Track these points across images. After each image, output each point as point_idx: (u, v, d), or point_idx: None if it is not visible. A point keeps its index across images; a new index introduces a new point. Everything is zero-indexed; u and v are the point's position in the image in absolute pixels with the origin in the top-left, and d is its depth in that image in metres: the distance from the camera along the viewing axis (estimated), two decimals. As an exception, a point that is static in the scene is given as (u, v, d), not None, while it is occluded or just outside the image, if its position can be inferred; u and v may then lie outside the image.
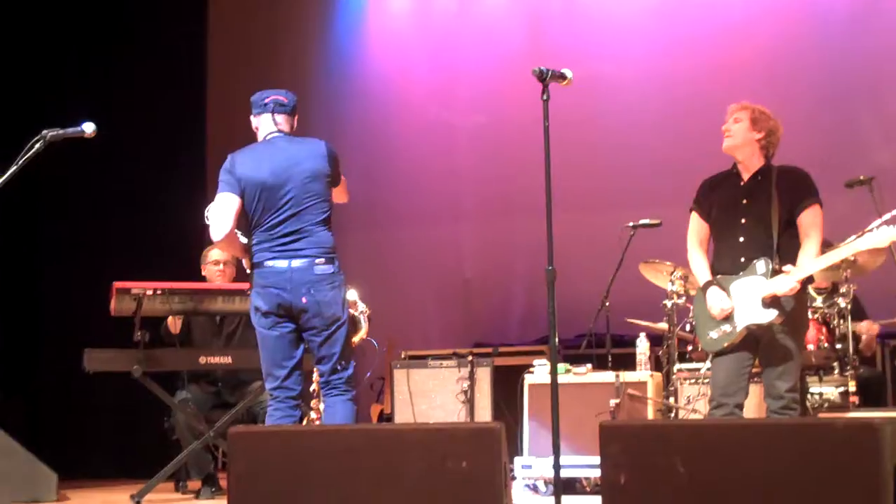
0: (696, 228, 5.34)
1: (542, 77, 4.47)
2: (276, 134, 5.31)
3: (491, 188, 9.37)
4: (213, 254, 7.18)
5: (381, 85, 9.98)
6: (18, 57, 8.96)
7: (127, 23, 9.39)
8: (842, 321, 6.50)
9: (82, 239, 9.05)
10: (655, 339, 7.18)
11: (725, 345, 5.08)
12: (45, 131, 4.56)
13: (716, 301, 5.10)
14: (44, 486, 6.74)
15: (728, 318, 5.07)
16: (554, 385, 3.91)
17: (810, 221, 5.10)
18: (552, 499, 6.26)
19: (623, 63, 9.13)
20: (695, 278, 5.41)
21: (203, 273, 7.23)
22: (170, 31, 9.37)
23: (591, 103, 8.86)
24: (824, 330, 6.56)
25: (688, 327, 6.65)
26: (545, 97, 4.45)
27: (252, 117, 5.39)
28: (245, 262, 5.32)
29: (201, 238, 7.33)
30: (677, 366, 6.67)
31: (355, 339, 5.92)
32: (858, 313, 6.89)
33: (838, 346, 6.51)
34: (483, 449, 3.21)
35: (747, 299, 5.01)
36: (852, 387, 6.41)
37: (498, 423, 3.30)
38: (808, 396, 6.52)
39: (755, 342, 5.08)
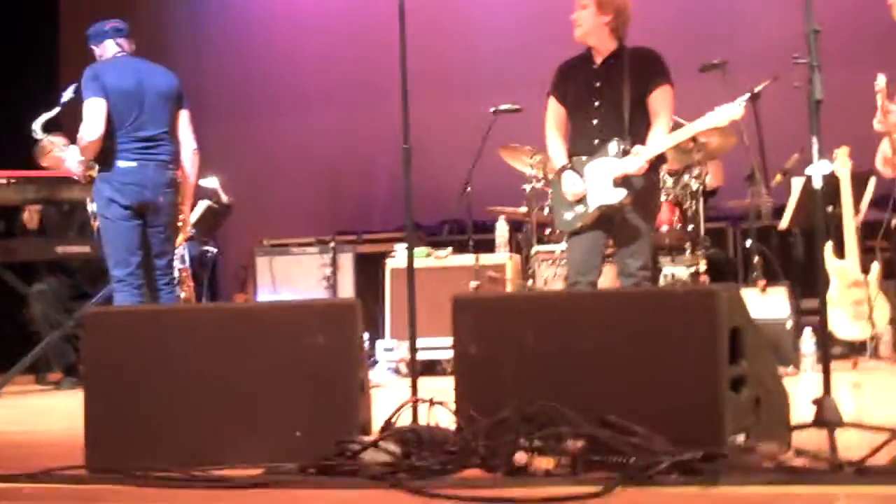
0: (554, 113, 5.40)
1: None
2: (123, 54, 5.87)
3: (354, 74, 9.30)
4: (53, 139, 7.01)
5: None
6: None
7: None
8: (693, 202, 6.69)
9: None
10: (518, 224, 7.30)
11: (579, 224, 5.18)
12: None
13: (570, 184, 5.19)
14: None
15: (582, 200, 5.16)
16: (410, 265, 3.95)
17: (660, 102, 5.18)
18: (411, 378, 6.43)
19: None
20: (552, 162, 5.50)
21: (43, 163, 7.00)
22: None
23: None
24: (677, 211, 6.75)
25: (546, 210, 6.76)
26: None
27: (94, 47, 5.91)
28: (83, 166, 5.70)
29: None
30: (535, 248, 6.80)
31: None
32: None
33: (690, 227, 6.71)
34: (339, 324, 3.24)
35: (599, 180, 5.11)
36: (703, 266, 6.62)
37: (355, 299, 3.35)
38: (661, 276, 6.72)
39: (609, 222, 5.19)
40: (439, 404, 3.23)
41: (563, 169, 5.25)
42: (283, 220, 9.13)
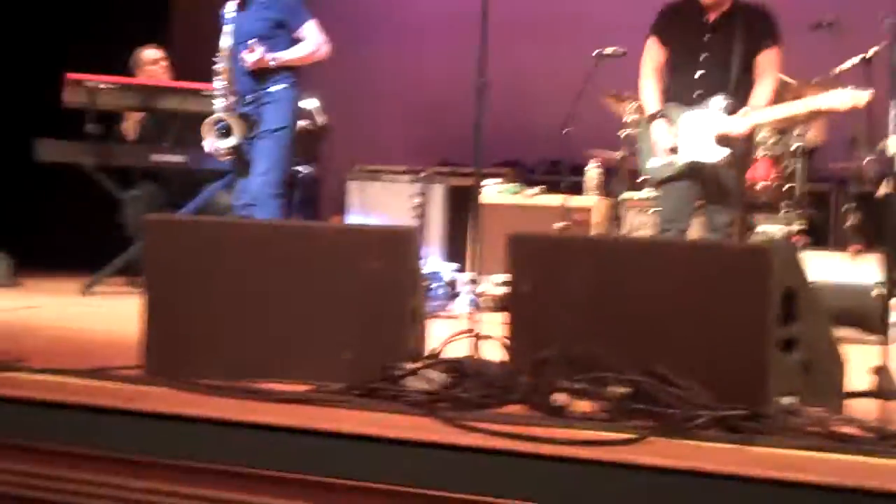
0: (653, 55, 5.29)
1: None
2: None
3: (462, 7, 9.21)
4: (149, 53, 7.11)
5: None
6: None
7: None
8: (793, 161, 6.53)
9: (37, 27, 8.91)
10: (612, 169, 7.22)
11: (666, 175, 5.11)
12: None
13: (660, 135, 5.10)
14: (-1, 269, 6.83)
15: (673, 148, 5.07)
16: (475, 198, 3.94)
17: (768, 64, 5.08)
18: (490, 314, 6.43)
19: None
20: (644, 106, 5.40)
21: (139, 76, 7.10)
22: None
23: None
24: (775, 169, 6.60)
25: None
26: None
27: None
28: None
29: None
30: (625, 194, 6.72)
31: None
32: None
33: (788, 185, 6.56)
34: (395, 250, 3.25)
35: (697, 133, 5.00)
36: (798, 227, 6.47)
37: (410, 227, 3.36)
38: (754, 234, 6.60)
39: (699, 174, 5.11)
40: (488, 338, 3.23)
41: (655, 116, 5.17)
42: (382, 146, 9.14)
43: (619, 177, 6.88)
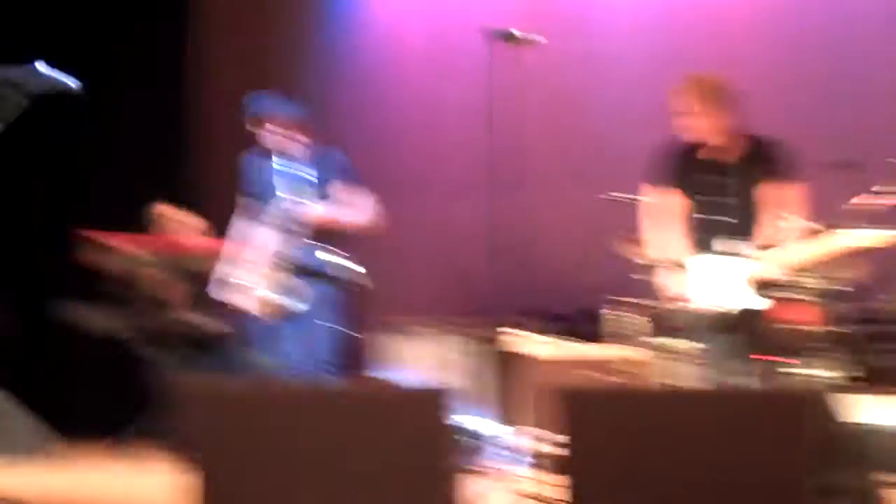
0: (673, 203, 5.18)
1: (506, 38, 4.32)
2: None
3: (485, 160, 9.23)
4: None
5: (375, 43, 9.90)
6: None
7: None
8: (835, 301, 6.35)
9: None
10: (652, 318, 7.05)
11: (715, 323, 4.94)
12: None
13: (697, 283, 4.98)
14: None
15: (714, 296, 4.92)
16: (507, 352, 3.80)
17: (789, 199, 4.97)
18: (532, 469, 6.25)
19: (615, 35, 9.02)
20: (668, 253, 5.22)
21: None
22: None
23: (587, 75, 8.78)
24: (821, 311, 6.41)
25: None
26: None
27: None
28: None
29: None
30: (670, 343, 6.57)
31: None
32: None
33: (837, 328, 6.36)
34: (428, 410, 3.20)
35: (735, 280, 4.86)
36: (850, 371, 6.27)
37: (444, 384, 3.34)
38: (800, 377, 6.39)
39: (741, 321, 4.94)
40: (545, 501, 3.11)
41: (684, 265, 5.02)
42: (407, 300, 9.05)
43: (654, 324, 6.74)
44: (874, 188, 4.96)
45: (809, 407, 2.85)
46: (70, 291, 6.63)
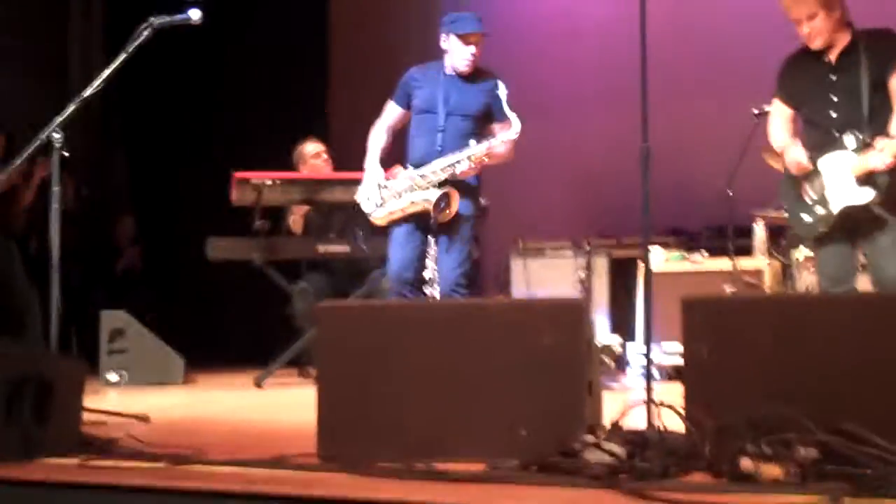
0: (779, 114, 5.08)
1: None
2: None
3: (618, 76, 9.18)
4: (310, 147, 7.27)
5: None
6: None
7: None
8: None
9: (210, 130, 9.26)
10: (779, 229, 7.04)
11: (822, 229, 4.85)
12: (151, 18, 4.60)
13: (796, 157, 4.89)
14: (172, 369, 7.03)
15: (821, 200, 4.83)
16: (647, 268, 3.90)
17: None
18: (664, 383, 6.32)
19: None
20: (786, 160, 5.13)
21: (302, 170, 7.28)
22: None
23: None
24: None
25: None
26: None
27: None
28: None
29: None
30: (796, 253, 6.53)
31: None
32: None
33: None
34: (566, 324, 3.22)
35: (839, 177, 4.74)
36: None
37: (581, 299, 3.33)
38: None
39: (855, 223, 4.82)
40: (668, 407, 3.14)
41: (804, 168, 4.93)
42: (542, 221, 9.11)
43: (789, 236, 6.70)
44: None
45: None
46: (217, 227, 6.86)
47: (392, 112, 5.92)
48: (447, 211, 5.52)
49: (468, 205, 5.64)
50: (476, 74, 5.76)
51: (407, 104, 5.87)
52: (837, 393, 2.88)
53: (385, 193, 5.71)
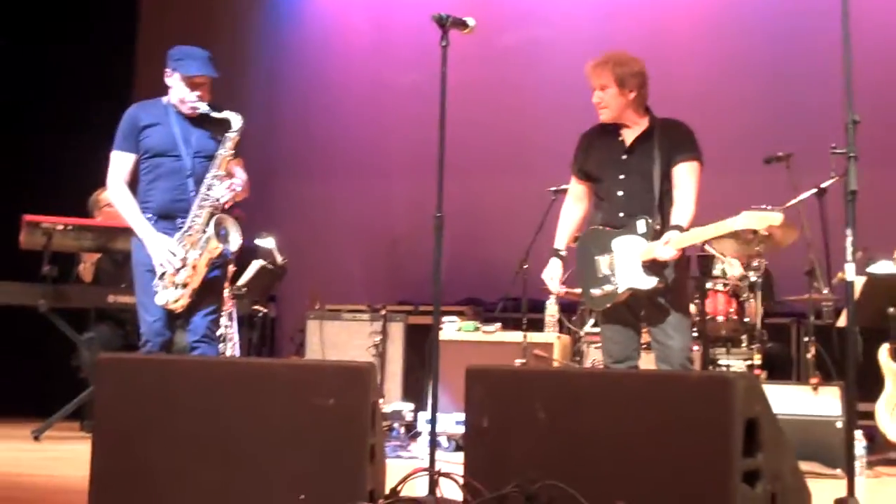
0: (572, 190, 5.23)
1: (442, 23, 4.32)
2: None
3: (423, 147, 9.30)
4: (106, 194, 7.07)
5: (321, 36, 9.96)
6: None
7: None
8: (751, 295, 6.54)
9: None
10: (571, 305, 7.20)
11: (608, 304, 4.98)
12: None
13: (550, 272, 5.08)
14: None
15: (609, 277, 4.96)
16: (434, 334, 3.91)
17: (685, 176, 4.90)
18: (452, 453, 6.35)
19: (561, 27, 9.16)
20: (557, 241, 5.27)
21: (97, 217, 7.08)
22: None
23: (528, 66, 8.91)
24: (734, 302, 6.61)
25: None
26: (444, 44, 4.29)
27: None
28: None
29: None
30: (585, 329, 6.70)
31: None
32: (768, 290, 6.89)
33: (746, 319, 6.57)
34: (350, 387, 3.19)
35: (628, 259, 4.88)
36: (758, 360, 6.46)
37: (368, 363, 3.32)
38: (714, 367, 6.57)
39: (638, 304, 4.97)
40: (447, 476, 3.16)
41: (554, 253, 5.11)
42: (340, 285, 9.12)
43: (581, 313, 6.87)
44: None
45: (737, 390, 2.80)
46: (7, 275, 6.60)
47: (124, 163, 5.28)
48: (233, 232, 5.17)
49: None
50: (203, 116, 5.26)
51: (137, 148, 5.26)
52: (611, 466, 2.94)
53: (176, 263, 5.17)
